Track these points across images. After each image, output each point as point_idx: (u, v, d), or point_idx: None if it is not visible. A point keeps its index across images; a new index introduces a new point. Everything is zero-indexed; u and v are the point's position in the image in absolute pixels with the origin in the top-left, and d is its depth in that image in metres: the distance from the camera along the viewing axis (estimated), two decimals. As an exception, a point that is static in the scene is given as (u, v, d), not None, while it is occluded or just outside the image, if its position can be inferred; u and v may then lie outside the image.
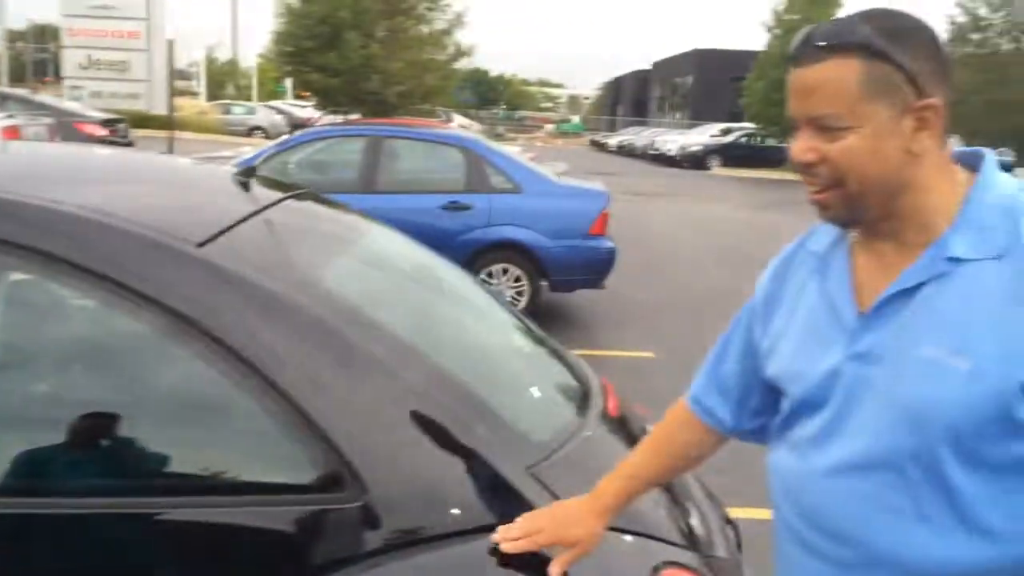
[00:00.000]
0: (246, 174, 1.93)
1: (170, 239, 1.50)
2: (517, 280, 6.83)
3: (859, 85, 1.08)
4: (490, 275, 6.81)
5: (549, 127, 67.22)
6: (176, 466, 1.49)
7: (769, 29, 31.34)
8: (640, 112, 69.39)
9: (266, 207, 1.82)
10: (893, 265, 1.15)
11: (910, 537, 1.11)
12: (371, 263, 2.09)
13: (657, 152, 33.80)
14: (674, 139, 34.36)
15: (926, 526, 1.10)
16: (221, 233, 1.59)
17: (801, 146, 1.13)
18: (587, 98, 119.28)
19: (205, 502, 1.44)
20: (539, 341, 2.19)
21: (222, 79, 53.32)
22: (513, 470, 1.46)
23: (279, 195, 2.01)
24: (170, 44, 15.23)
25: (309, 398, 1.40)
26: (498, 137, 33.29)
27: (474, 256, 6.71)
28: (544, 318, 6.86)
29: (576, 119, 78.20)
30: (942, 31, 20.91)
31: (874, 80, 1.08)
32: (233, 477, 1.51)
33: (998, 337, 1.04)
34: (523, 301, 6.82)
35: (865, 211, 1.13)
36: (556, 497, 1.45)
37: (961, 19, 20.88)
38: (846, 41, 1.08)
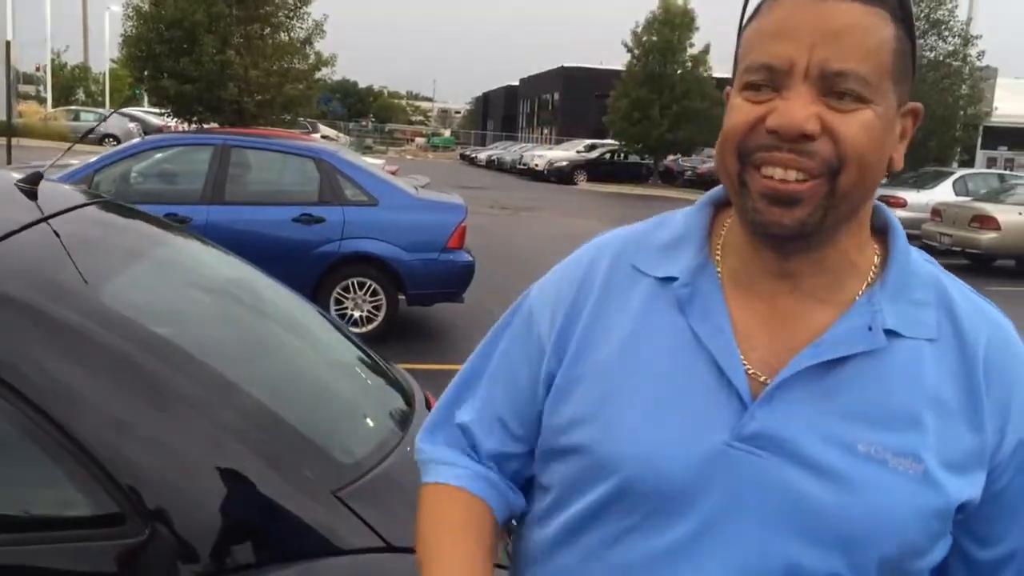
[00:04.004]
0: (31, 180, 1.75)
1: None
2: (374, 294, 6.72)
3: (891, 53, 0.80)
4: (346, 289, 6.67)
5: (420, 140, 67.13)
6: None
7: (629, 50, 32.34)
8: (509, 127, 70.36)
9: (47, 217, 1.67)
10: (792, 317, 0.86)
11: None
12: (175, 281, 1.96)
13: (526, 167, 34.28)
14: (542, 154, 34.94)
15: None
16: None
17: (807, 109, 0.77)
18: (458, 112, 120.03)
19: None
20: (361, 357, 2.12)
21: (72, 84, 50.34)
22: (317, 496, 1.40)
23: (68, 204, 1.85)
24: (8, 45, 14.23)
25: (94, 431, 1.30)
26: (367, 150, 32.93)
27: (329, 269, 6.56)
28: (403, 332, 6.77)
29: (447, 133, 78.40)
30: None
31: (901, 53, 0.81)
32: (20, 516, 1.40)
33: (943, 440, 0.82)
34: (380, 315, 6.72)
35: (833, 223, 0.82)
36: (360, 519, 1.40)
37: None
38: None
